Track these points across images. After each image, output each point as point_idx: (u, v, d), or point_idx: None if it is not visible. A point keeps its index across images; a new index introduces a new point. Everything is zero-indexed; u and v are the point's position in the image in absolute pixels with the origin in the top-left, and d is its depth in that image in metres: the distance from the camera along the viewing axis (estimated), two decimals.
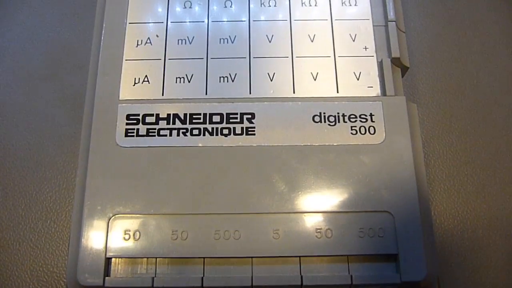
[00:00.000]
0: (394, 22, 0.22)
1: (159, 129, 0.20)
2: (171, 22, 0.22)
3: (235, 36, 0.22)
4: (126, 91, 0.21)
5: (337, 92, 0.21)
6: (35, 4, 0.29)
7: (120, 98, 0.21)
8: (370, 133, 0.20)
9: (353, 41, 0.22)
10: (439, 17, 0.29)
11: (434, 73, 0.27)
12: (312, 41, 0.22)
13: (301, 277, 0.18)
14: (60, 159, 0.25)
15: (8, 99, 0.27)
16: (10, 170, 0.25)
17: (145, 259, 0.19)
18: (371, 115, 0.20)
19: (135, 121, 0.20)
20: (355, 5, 0.23)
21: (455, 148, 0.25)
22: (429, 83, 0.27)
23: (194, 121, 0.20)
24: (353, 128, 0.20)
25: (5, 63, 0.28)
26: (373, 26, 0.22)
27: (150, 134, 0.20)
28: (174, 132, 0.20)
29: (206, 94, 0.21)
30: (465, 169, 0.25)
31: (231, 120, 0.20)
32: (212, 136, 0.20)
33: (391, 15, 0.22)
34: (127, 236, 0.19)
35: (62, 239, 0.24)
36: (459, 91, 0.27)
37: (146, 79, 0.21)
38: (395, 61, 0.22)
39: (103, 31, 0.22)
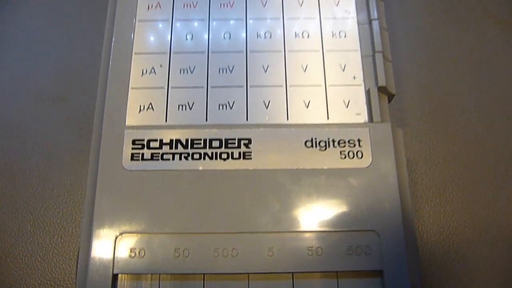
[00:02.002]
0: (381, 53, 0.23)
1: (163, 154, 0.21)
2: (174, 52, 0.23)
3: (234, 66, 0.23)
4: (132, 118, 0.22)
5: (328, 118, 0.22)
6: (43, 28, 0.30)
7: (127, 124, 0.22)
8: (358, 157, 0.21)
9: (343, 70, 0.23)
10: (426, 44, 0.29)
11: (421, 96, 0.28)
12: (304, 71, 0.23)
13: None
14: (67, 177, 0.26)
15: (18, 119, 0.27)
16: (19, 188, 0.26)
17: (149, 275, 0.20)
18: (359, 140, 0.21)
19: (140, 146, 0.21)
20: (345, 37, 0.24)
21: (441, 167, 0.26)
22: (415, 105, 0.28)
23: (195, 146, 0.21)
24: (342, 152, 0.21)
25: (16, 85, 0.28)
26: (361, 56, 0.23)
27: (154, 158, 0.21)
28: (177, 156, 0.21)
29: (207, 120, 0.22)
30: (451, 187, 0.26)
31: (229, 145, 0.21)
32: (211, 160, 0.21)
33: (378, 46, 0.23)
34: (133, 254, 0.20)
35: (69, 254, 0.24)
36: (445, 112, 0.27)
37: (150, 107, 0.22)
38: (382, 89, 0.22)
39: (110, 61, 0.23)
